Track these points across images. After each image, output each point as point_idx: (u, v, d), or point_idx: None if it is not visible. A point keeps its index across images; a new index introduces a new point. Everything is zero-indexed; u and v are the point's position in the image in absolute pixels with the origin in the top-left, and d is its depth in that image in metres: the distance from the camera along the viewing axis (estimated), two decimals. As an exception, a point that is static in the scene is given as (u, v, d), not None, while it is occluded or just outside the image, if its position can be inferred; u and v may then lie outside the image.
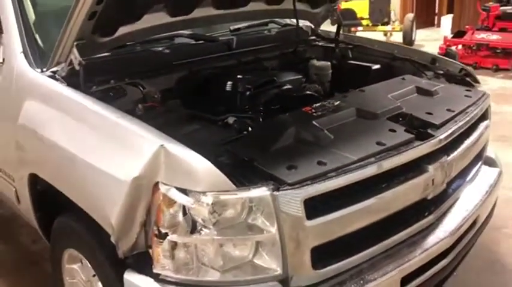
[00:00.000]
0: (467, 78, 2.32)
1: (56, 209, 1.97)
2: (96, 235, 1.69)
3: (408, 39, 9.19)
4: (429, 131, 1.72)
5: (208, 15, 2.22)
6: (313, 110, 1.75)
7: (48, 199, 1.95)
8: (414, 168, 1.66)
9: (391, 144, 1.59)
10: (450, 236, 1.77)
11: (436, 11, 12.18)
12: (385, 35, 10.40)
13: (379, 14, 9.34)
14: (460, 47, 7.34)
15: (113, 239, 1.49)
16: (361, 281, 1.52)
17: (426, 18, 11.35)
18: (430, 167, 1.68)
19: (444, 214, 1.85)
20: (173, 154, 1.39)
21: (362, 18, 9.64)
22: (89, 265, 1.83)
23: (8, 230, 3.22)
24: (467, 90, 2.15)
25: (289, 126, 1.63)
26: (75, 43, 1.77)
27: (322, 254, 1.47)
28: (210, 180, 1.36)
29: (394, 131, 1.69)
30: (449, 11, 11.22)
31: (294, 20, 2.74)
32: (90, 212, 1.59)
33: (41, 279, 2.69)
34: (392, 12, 9.95)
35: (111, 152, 1.51)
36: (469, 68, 2.37)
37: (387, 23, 9.55)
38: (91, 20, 1.70)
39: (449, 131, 1.76)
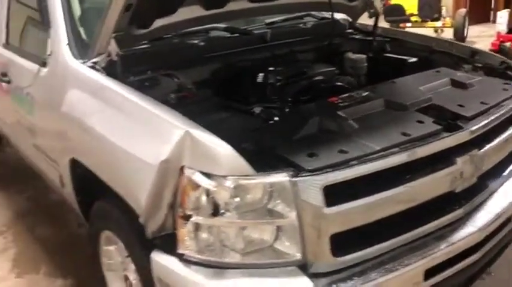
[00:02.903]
0: (509, 72, 2.25)
1: (94, 193, 2.08)
2: (128, 217, 1.78)
3: (459, 35, 8.85)
4: (459, 123, 1.68)
5: (243, 9, 2.26)
6: (340, 101, 1.76)
7: (88, 183, 2.07)
8: (441, 160, 1.63)
9: (416, 135, 1.58)
10: (479, 232, 1.73)
11: (492, 5, 11.65)
12: (436, 31, 10.07)
13: (429, 10, 9.06)
14: (515, 43, 7.02)
15: (141, 220, 1.57)
16: (383, 271, 1.52)
17: (481, 14, 10.88)
18: (458, 160, 1.64)
19: (476, 209, 1.81)
20: (198, 139, 1.45)
21: (412, 15, 9.40)
22: (123, 247, 1.93)
23: (57, 214, 3.41)
24: (505, 83, 2.08)
25: (313, 115, 1.65)
26: (113, 35, 1.87)
27: (344, 242, 1.49)
28: (231, 165, 1.40)
29: (422, 122, 1.67)
30: (506, 6, 10.71)
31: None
32: (122, 194, 1.68)
33: (81, 260, 2.83)
34: (444, 8, 9.62)
35: (142, 138, 1.59)
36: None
37: (438, 19, 9.25)
38: (127, 11, 1.78)
39: (481, 124, 1.72)
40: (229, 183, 1.40)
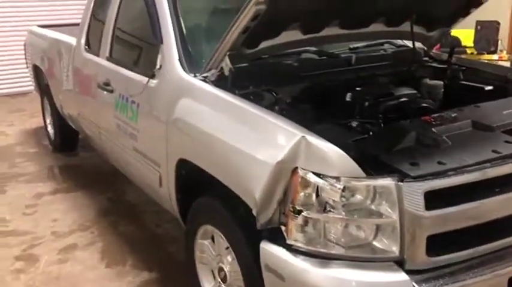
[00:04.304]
0: None
1: (194, 192, 2.33)
2: (233, 212, 2.02)
3: (516, 69, 8.81)
4: None
5: (334, 35, 2.50)
6: (432, 119, 1.95)
7: (192, 181, 2.33)
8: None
9: (507, 152, 1.75)
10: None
11: (550, 41, 11.48)
12: (491, 64, 10.01)
13: (486, 43, 9.07)
14: None
15: (254, 212, 1.79)
16: (471, 274, 1.68)
17: (538, 49, 10.75)
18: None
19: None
20: (312, 143, 1.68)
21: (466, 47, 9.44)
22: (221, 240, 2.16)
23: (135, 214, 3.71)
24: None
25: (410, 131, 1.85)
26: (228, 53, 2.15)
27: (436, 245, 1.66)
28: (344, 167, 1.62)
29: (509, 142, 1.84)
30: None
31: (407, 41, 2.95)
32: (236, 189, 1.91)
33: (163, 257, 3.10)
34: (500, 41, 9.61)
35: (259, 141, 1.84)
36: None
37: (494, 52, 9.25)
38: (244, 33, 2.05)
39: None
40: (340, 183, 1.61)
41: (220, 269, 2.23)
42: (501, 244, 1.76)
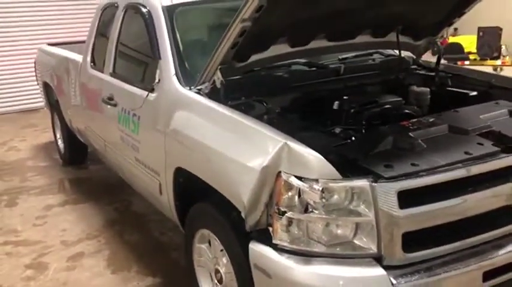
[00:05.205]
0: None
1: (193, 197, 2.47)
2: (226, 216, 2.15)
3: (520, 74, 8.85)
4: None
5: (322, 47, 2.63)
6: (410, 124, 2.07)
7: (189, 188, 2.46)
8: (499, 177, 1.89)
9: (477, 154, 1.86)
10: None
11: (555, 45, 11.48)
12: (495, 69, 10.08)
13: (488, 49, 9.16)
14: None
15: (243, 215, 1.92)
16: (446, 269, 1.78)
17: (542, 53, 10.76)
18: (514, 178, 1.90)
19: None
20: (293, 149, 1.81)
21: (470, 53, 9.52)
22: (216, 243, 2.29)
23: (140, 223, 3.85)
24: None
25: (388, 135, 1.97)
26: (219, 67, 2.29)
27: (413, 241, 1.77)
28: (322, 170, 1.74)
29: (481, 144, 1.95)
30: None
31: (397, 51, 3.07)
32: (226, 194, 2.04)
33: (167, 263, 3.23)
34: (504, 46, 9.67)
35: (246, 148, 1.97)
36: None
37: (497, 58, 9.32)
38: (233, 48, 2.20)
39: (536, 148, 1.97)
40: (319, 185, 1.74)
41: (217, 271, 2.36)
42: (475, 240, 1.86)
